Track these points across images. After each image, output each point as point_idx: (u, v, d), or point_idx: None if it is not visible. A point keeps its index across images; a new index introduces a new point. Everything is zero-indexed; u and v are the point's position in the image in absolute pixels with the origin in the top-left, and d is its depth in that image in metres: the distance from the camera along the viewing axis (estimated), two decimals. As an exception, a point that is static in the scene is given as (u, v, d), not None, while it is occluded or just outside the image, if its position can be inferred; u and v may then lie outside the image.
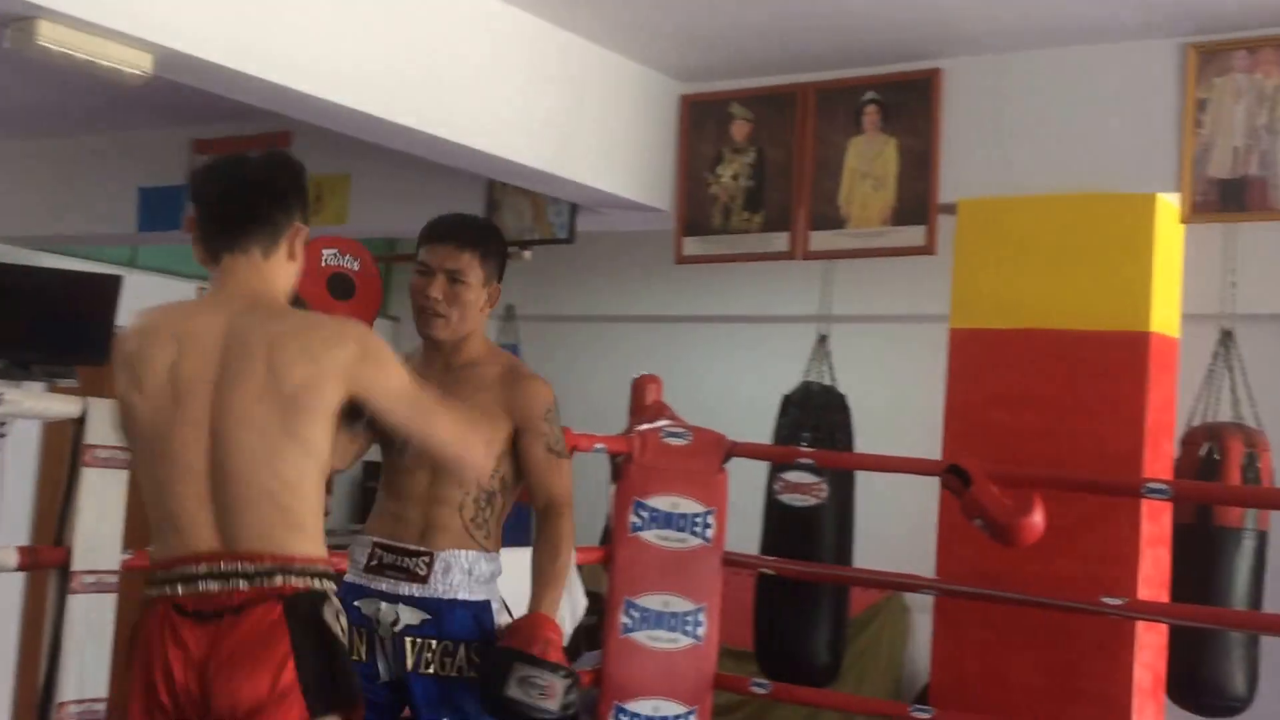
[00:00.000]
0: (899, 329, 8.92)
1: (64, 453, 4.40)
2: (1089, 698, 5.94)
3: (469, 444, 3.63)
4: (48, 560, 4.38)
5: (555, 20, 6.36)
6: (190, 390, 3.36)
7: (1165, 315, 6.17)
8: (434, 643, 3.95)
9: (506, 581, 4.16)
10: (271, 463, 3.31)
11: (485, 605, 4.01)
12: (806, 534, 6.82)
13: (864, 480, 7.07)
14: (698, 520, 5.96)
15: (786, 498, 6.83)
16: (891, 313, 8.84)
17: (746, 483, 6.43)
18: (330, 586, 3.36)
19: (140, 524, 3.53)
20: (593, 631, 6.96)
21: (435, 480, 3.99)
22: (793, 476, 6.80)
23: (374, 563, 4.02)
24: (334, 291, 4.24)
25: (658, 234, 7.29)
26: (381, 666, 3.99)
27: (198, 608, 3.28)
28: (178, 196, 8.50)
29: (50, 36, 4.67)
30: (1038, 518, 5.38)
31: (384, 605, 3.97)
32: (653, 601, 5.86)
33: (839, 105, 6.68)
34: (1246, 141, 5.88)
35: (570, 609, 5.77)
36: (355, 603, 3.99)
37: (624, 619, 5.83)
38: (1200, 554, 6.34)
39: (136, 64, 4.95)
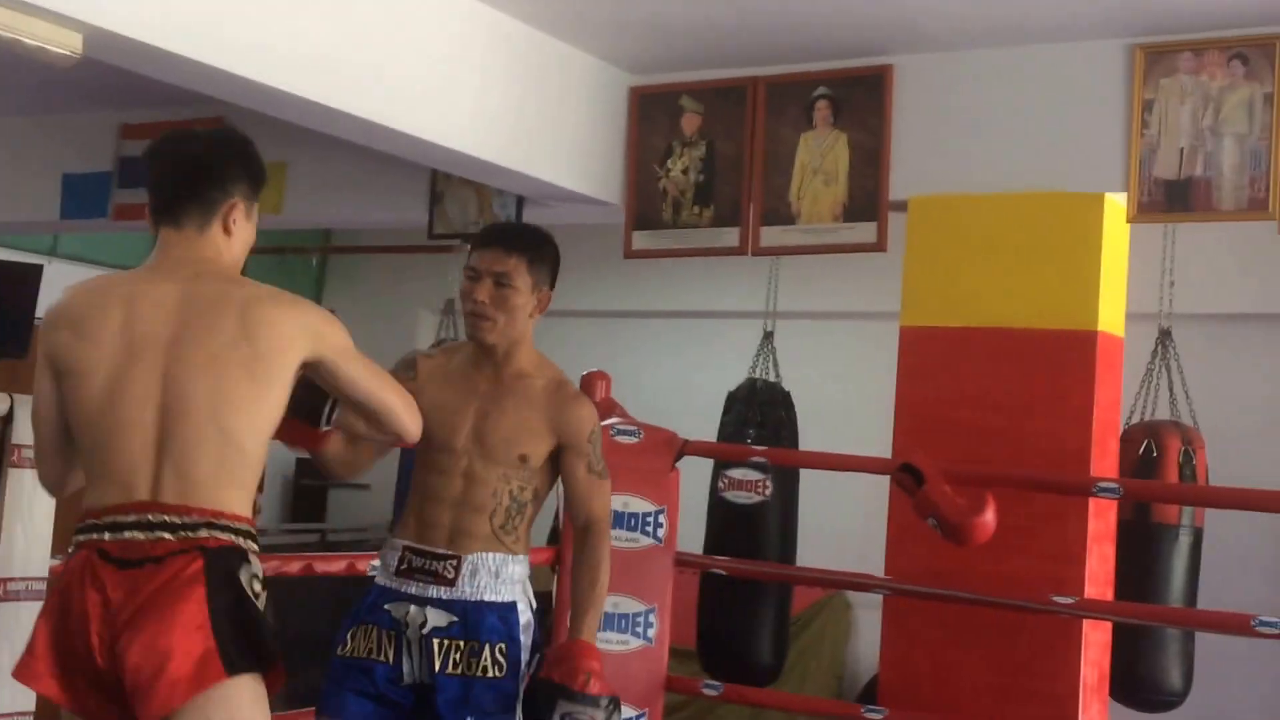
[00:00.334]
0: (844, 325, 8.93)
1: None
2: (1037, 696, 5.96)
3: (410, 415, 3.72)
4: (-29, 568, 4.23)
5: (503, 8, 6.30)
6: (146, 347, 3.37)
7: (1111, 314, 6.20)
8: (461, 644, 3.95)
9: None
10: (225, 419, 3.33)
11: (512, 606, 4.01)
12: (751, 531, 6.80)
13: (807, 477, 7.06)
14: (649, 520, 5.94)
15: (731, 495, 6.81)
16: (838, 309, 8.84)
17: (690, 480, 6.40)
18: (253, 548, 3.38)
19: (71, 528, 3.46)
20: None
21: (468, 487, 4.01)
22: (737, 474, 6.78)
23: (403, 566, 4.03)
24: None
25: (606, 228, 7.25)
26: (406, 669, 3.98)
27: (122, 554, 3.27)
28: (104, 183, 8.39)
29: (-27, 13, 4.55)
30: (990, 517, 5.37)
31: (413, 608, 3.97)
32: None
33: (790, 100, 6.66)
34: (1192, 142, 5.91)
35: None
36: (385, 606, 4.01)
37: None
38: (1138, 551, 6.38)
39: (65, 44, 4.85)
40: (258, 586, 3.37)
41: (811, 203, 6.59)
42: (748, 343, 7.49)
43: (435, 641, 3.95)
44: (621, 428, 5.95)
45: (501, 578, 4.00)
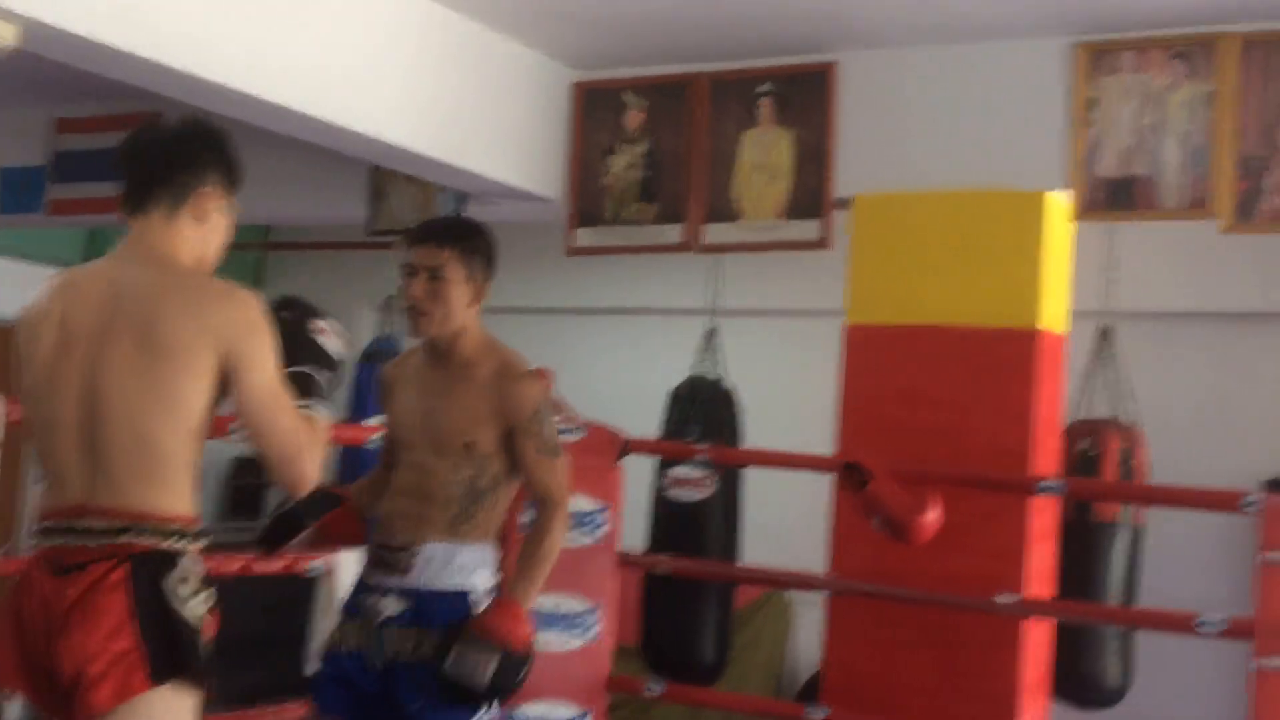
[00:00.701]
0: (787, 323, 8.88)
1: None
2: (978, 694, 5.94)
3: (298, 458, 3.39)
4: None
5: (445, 2, 6.26)
6: (73, 342, 3.31)
7: (1053, 312, 6.19)
8: (413, 631, 4.02)
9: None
10: (138, 416, 3.25)
11: (463, 594, 4.06)
12: (694, 529, 6.77)
13: (750, 474, 7.04)
14: (591, 518, 5.90)
15: (674, 493, 6.78)
16: (780, 307, 8.81)
17: (633, 477, 6.36)
18: (184, 547, 3.27)
19: (4, 523, 3.40)
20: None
21: (422, 479, 4.08)
22: (680, 471, 6.74)
23: (371, 559, 4.15)
24: None
25: (548, 224, 7.21)
26: (373, 656, 4.06)
27: (57, 560, 3.24)
28: (38, 178, 8.29)
29: (-96, 4, 4.49)
30: (934, 515, 5.38)
31: (375, 598, 4.08)
32: (545, 602, 5.76)
33: (734, 97, 6.65)
34: (1134, 141, 5.93)
35: None
36: (356, 597, 4.15)
37: (516, 620, 5.74)
38: (1078, 548, 6.38)
39: (1, 35, 4.79)
40: (187, 589, 3.27)
41: (755, 200, 6.58)
42: (690, 340, 7.46)
43: (391, 630, 4.03)
44: (564, 426, 5.91)
45: (453, 566, 4.05)
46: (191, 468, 3.34)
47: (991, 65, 6.22)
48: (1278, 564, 4.96)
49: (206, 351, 3.27)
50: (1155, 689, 7.29)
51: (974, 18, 6.04)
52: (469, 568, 4.08)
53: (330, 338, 3.64)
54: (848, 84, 6.46)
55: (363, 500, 4.32)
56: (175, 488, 3.29)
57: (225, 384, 3.34)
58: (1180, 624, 5.44)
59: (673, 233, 6.74)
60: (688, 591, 6.71)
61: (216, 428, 3.48)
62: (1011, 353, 6.03)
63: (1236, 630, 5.13)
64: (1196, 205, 5.80)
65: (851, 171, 6.44)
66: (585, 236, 6.93)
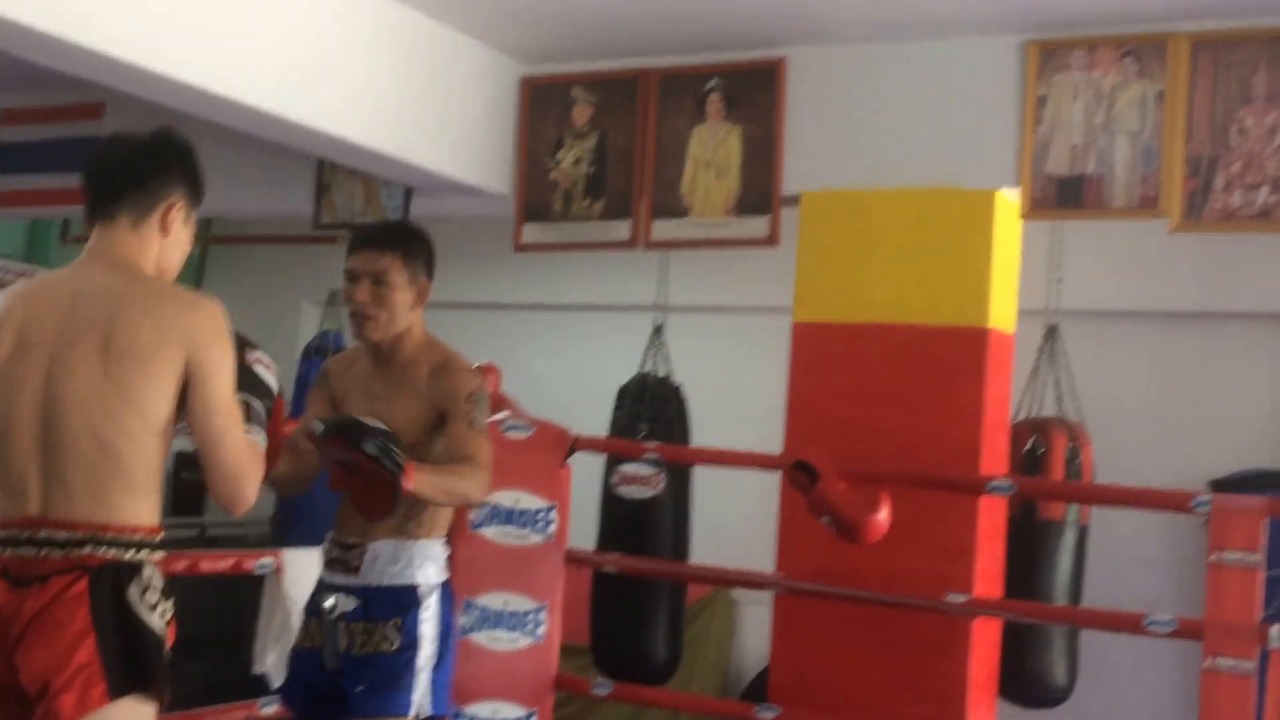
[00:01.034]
0: (736, 320, 8.87)
1: None
2: (926, 694, 5.95)
3: (243, 477, 3.37)
4: None
5: (393, -6, 6.20)
6: (32, 348, 3.28)
7: (1003, 311, 6.20)
8: (362, 625, 4.10)
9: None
10: (98, 424, 3.21)
11: (411, 589, 4.13)
12: (644, 526, 6.74)
13: (699, 471, 7.01)
14: (539, 516, 5.87)
15: (624, 490, 6.75)
16: (729, 303, 8.79)
17: (582, 475, 6.33)
18: (146, 557, 3.26)
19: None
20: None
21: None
22: (630, 469, 6.72)
23: (328, 558, 4.24)
24: None
25: (495, 219, 7.15)
26: (328, 654, 4.14)
27: (16, 572, 3.20)
28: (-23, 173, 8.16)
29: None
30: (885, 515, 5.36)
31: (330, 596, 4.15)
32: (493, 600, 5.75)
33: (683, 92, 6.61)
34: (1084, 139, 5.93)
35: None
36: (316, 596, 4.22)
37: (462, 619, 5.69)
38: (1024, 547, 6.38)
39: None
40: (153, 598, 3.26)
41: (703, 196, 6.54)
42: (639, 337, 7.42)
43: (342, 626, 4.11)
44: (512, 423, 5.88)
45: (401, 562, 4.13)
46: (156, 474, 3.32)
47: (942, 62, 6.20)
48: (1227, 565, 4.95)
49: (170, 357, 3.25)
50: (1099, 688, 7.32)
51: (924, 14, 6.01)
52: (416, 563, 4.15)
53: (265, 369, 3.58)
54: (797, 80, 6.43)
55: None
56: (137, 496, 3.27)
57: (183, 392, 3.30)
58: (1129, 624, 5.45)
59: (620, 229, 6.69)
60: (639, 590, 6.67)
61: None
62: (962, 351, 6.04)
63: (1186, 630, 5.13)
64: (1146, 204, 5.78)
65: (801, 168, 6.41)
66: (533, 232, 6.87)
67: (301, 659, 4.23)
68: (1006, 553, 6.27)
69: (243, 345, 3.56)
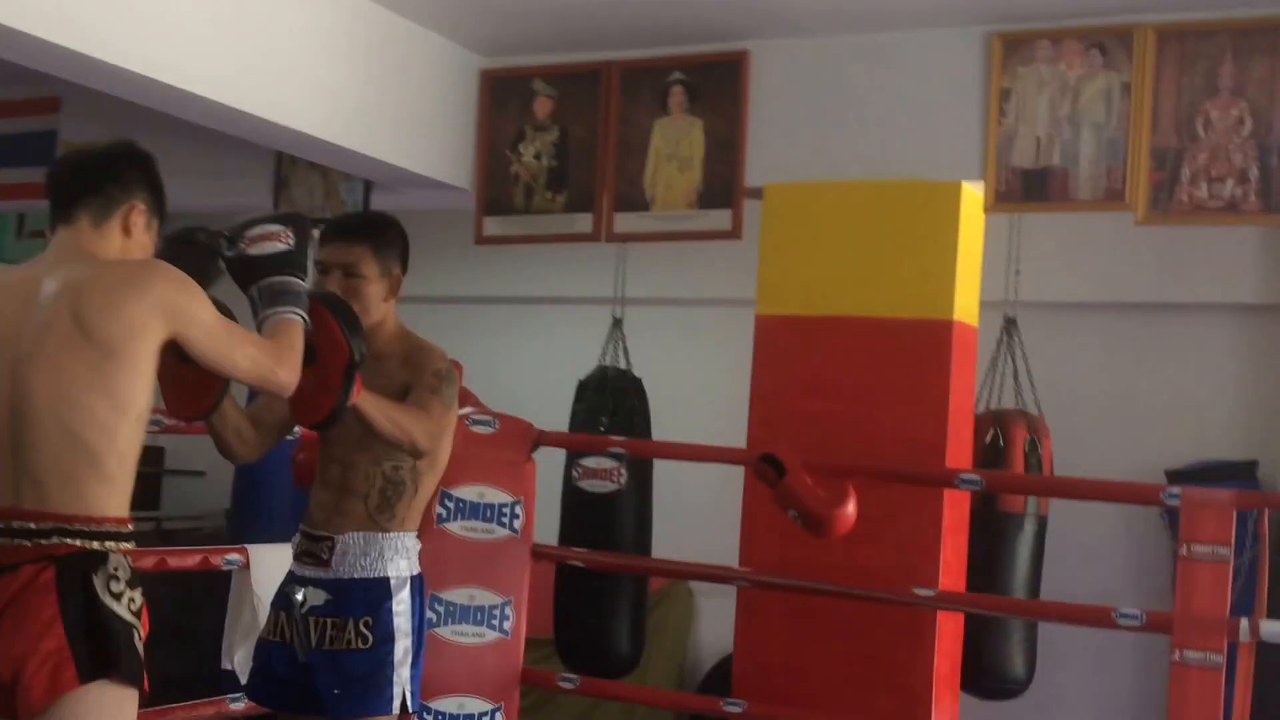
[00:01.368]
0: (696, 312, 8.86)
1: None
2: (891, 687, 5.94)
3: (272, 377, 3.49)
4: None
5: (351, -13, 6.14)
6: None
7: (967, 303, 6.20)
8: (332, 620, 4.07)
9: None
10: (69, 415, 3.23)
11: (381, 582, 4.09)
12: (606, 520, 6.71)
13: (659, 464, 6.98)
14: (505, 511, 5.82)
15: (585, 484, 6.71)
16: (689, 296, 8.77)
17: (543, 468, 6.28)
18: (112, 547, 3.27)
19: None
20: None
21: (345, 470, 4.13)
22: (591, 462, 6.68)
23: (297, 550, 4.20)
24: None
25: (455, 213, 7.11)
26: (299, 647, 4.10)
27: None
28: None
29: None
30: (851, 508, 5.34)
31: (299, 589, 4.12)
32: (458, 595, 5.70)
33: (644, 85, 6.59)
34: (1049, 132, 5.93)
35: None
36: (284, 588, 4.19)
37: (429, 614, 5.63)
38: (984, 539, 6.38)
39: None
40: (119, 586, 3.28)
41: (666, 189, 6.52)
42: (599, 330, 7.39)
43: (311, 620, 4.07)
44: (477, 418, 5.83)
45: (370, 556, 4.09)
46: (127, 463, 3.32)
47: (906, 54, 6.19)
48: (1197, 558, 4.95)
49: (150, 335, 3.28)
50: (1056, 679, 7.34)
51: (888, 6, 6.01)
52: (387, 556, 4.11)
53: (259, 241, 3.65)
54: (760, 73, 6.41)
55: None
56: (107, 487, 3.28)
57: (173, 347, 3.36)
58: (1099, 618, 5.44)
59: (583, 222, 6.66)
60: (602, 583, 6.65)
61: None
62: (927, 344, 6.04)
63: (1155, 624, 5.13)
64: (1112, 197, 5.79)
65: (764, 161, 6.39)
66: (494, 225, 6.83)
67: (268, 651, 4.19)
68: (969, 545, 6.28)
69: (235, 236, 3.66)
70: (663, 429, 7.11)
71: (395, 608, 4.09)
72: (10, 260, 8.26)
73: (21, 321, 3.30)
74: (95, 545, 3.24)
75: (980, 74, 6.05)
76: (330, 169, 7.09)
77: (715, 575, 6.37)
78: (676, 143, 6.50)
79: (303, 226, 3.76)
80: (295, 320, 3.60)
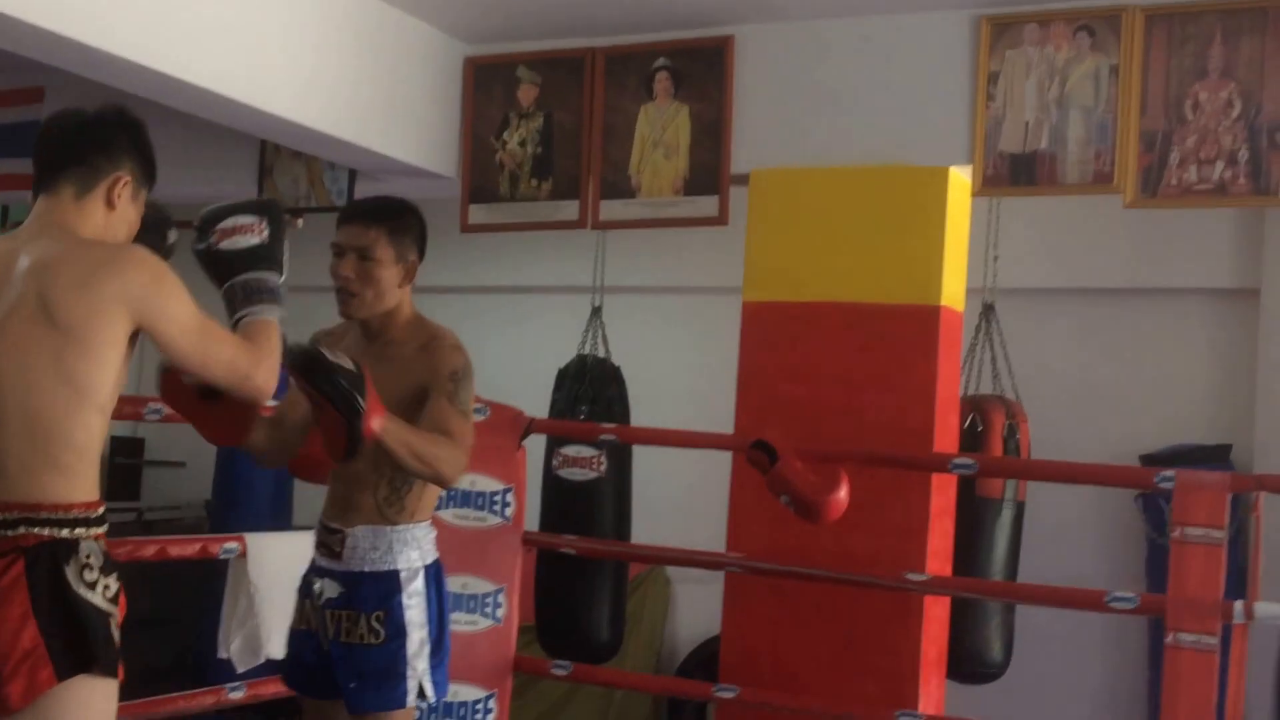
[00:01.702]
0: (676, 300, 8.85)
1: None
2: (879, 672, 5.95)
3: (249, 378, 3.41)
4: None
5: (336, -27, 6.11)
6: None
7: (953, 289, 6.21)
8: (346, 613, 4.08)
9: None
10: (32, 398, 3.15)
11: (391, 575, 4.09)
12: (586, 508, 6.71)
13: (635, 451, 6.98)
14: (496, 499, 5.82)
15: (565, 472, 6.71)
16: (669, 284, 8.76)
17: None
18: (83, 535, 3.19)
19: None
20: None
21: (354, 462, 4.03)
22: (571, 451, 6.68)
23: (316, 541, 4.21)
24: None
25: (439, 201, 7.06)
26: (320, 636, 4.14)
27: None
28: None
29: None
30: (844, 493, 5.34)
31: (317, 580, 4.14)
32: (451, 583, 5.56)
33: (629, 71, 6.57)
34: (1037, 115, 5.93)
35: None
36: (307, 578, 4.21)
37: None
38: (963, 524, 6.39)
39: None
40: (91, 575, 3.20)
41: (652, 176, 6.51)
42: (578, 318, 7.37)
43: (328, 612, 4.09)
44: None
45: (380, 549, 4.08)
46: (94, 450, 3.24)
47: (893, 38, 6.19)
48: (1190, 540, 4.97)
49: (112, 325, 3.19)
50: (1034, 663, 7.38)
51: (874, -9, 6.01)
52: (396, 549, 4.10)
53: (236, 234, 3.60)
54: (745, 58, 6.40)
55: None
56: (73, 473, 3.20)
57: (133, 347, 3.27)
58: (1091, 601, 5.46)
59: (569, 209, 6.64)
60: (583, 570, 6.64)
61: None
62: (914, 330, 6.05)
63: (1148, 607, 5.16)
64: (1100, 180, 5.79)
65: (750, 147, 6.38)
66: (480, 213, 6.81)
67: (297, 640, 4.23)
68: (945, 530, 6.30)
69: (205, 228, 3.61)
70: (641, 417, 7.10)
71: (406, 600, 4.08)
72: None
73: None
74: (64, 534, 3.16)
75: (967, 58, 6.04)
76: (314, 158, 7.06)
77: (706, 561, 6.36)
78: (662, 129, 6.49)
79: (276, 216, 3.70)
80: (271, 321, 3.54)
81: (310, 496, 4.64)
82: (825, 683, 5.98)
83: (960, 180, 6.12)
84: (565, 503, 6.71)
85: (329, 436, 3.80)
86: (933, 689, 6.10)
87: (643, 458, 7.03)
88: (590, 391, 6.91)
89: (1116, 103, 5.79)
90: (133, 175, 3.41)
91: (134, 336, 3.27)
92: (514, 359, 8.66)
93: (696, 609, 8.42)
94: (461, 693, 5.64)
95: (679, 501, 8.03)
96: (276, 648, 5.34)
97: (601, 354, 7.20)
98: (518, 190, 6.73)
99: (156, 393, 3.93)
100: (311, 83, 6.10)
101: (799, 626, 6.08)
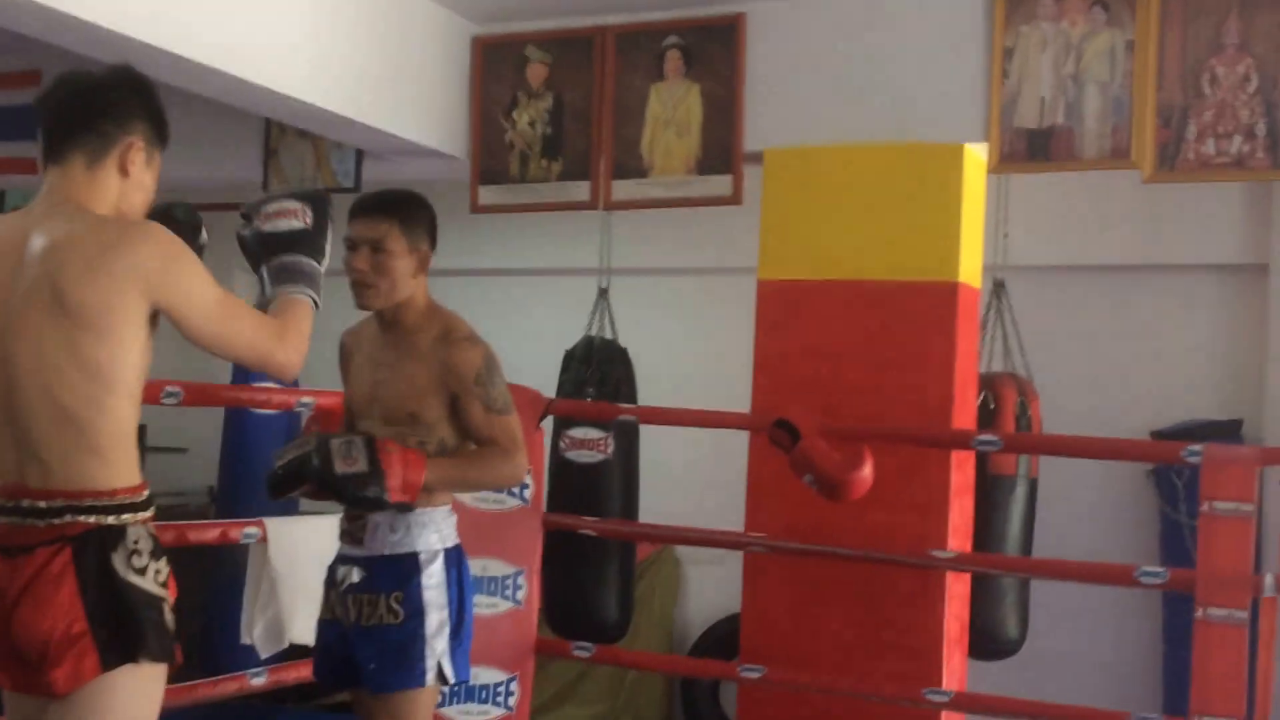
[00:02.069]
0: (684, 281, 8.81)
1: None
2: (901, 649, 5.94)
3: (271, 356, 3.35)
4: None
5: (343, -47, 6.04)
6: None
7: (970, 266, 6.18)
8: (366, 597, 4.14)
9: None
10: (56, 391, 3.08)
11: (411, 557, 4.15)
12: (593, 490, 6.67)
13: (643, 434, 6.94)
14: (514, 480, 5.77)
15: (572, 454, 6.68)
16: (674, 266, 8.71)
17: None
18: (129, 519, 3.14)
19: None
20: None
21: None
22: (579, 433, 6.64)
23: (339, 530, 4.27)
24: None
25: (447, 183, 7.03)
26: (344, 623, 4.20)
27: (4, 542, 3.12)
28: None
29: None
30: (868, 472, 5.34)
31: (340, 567, 4.22)
32: (471, 566, 5.60)
33: (640, 50, 6.52)
34: (1053, 91, 5.90)
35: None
36: (332, 567, 4.28)
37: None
38: (976, 501, 6.36)
39: None
40: (141, 560, 3.15)
41: (664, 155, 6.47)
42: (586, 300, 7.33)
43: (350, 597, 4.16)
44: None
45: (399, 531, 4.14)
46: (128, 435, 3.17)
47: (906, 14, 6.15)
48: (1220, 515, 4.95)
49: (126, 307, 3.10)
50: (1048, 640, 7.37)
51: (886, -33, 5.97)
52: (415, 531, 4.15)
53: (282, 220, 3.56)
54: (757, 35, 6.36)
55: None
56: (111, 458, 3.13)
57: (155, 326, 3.20)
58: (1120, 577, 5.44)
59: (580, 190, 6.60)
60: (590, 552, 6.60)
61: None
62: (932, 307, 6.02)
63: (1177, 582, 5.13)
64: (1118, 155, 5.77)
65: (763, 125, 6.34)
66: (489, 194, 6.76)
67: (324, 630, 4.30)
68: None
69: (251, 213, 3.58)
70: (648, 399, 7.06)
71: (425, 581, 4.12)
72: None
73: (10, 282, 3.14)
74: (111, 520, 3.10)
75: (982, 33, 6.01)
76: (320, 138, 7.01)
77: (728, 541, 6.33)
78: (674, 108, 6.44)
79: (323, 205, 3.66)
80: (305, 301, 3.48)
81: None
82: (847, 661, 5.96)
83: (975, 157, 6.09)
84: (572, 485, 6.67)
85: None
86: (955, 666, 6.09)
87: (649, 440, 7.00)
88: (598, 373, 6.88)
89: (1133, 77, 5.75)
90: (145, 139, 3.31)
91: (155, 317, 3.19)
92: (520, 341, 8.62)
93: (707, 590, 8.42)
94: (483, 676, 5.60)
95: (685, 483, 8.01)
96: (299, 633, 5.34)
97: (609, 336, 7.16)
98: (528, 171, 6.69)
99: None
100: (319, 61, 6.04)
101: (820, 606, 6.06)
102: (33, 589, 3.05)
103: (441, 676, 4.12)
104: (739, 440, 6.40)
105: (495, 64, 6.77)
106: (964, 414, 6.11)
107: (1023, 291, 7.18)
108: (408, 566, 4.13)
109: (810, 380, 6.13)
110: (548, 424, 6.57)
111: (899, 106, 6.14)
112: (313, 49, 6.00)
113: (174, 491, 8.49)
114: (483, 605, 5.63)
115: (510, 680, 5.70)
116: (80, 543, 3.07)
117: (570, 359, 7.00)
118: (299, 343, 3.40)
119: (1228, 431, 7.52)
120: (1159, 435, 7.53)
